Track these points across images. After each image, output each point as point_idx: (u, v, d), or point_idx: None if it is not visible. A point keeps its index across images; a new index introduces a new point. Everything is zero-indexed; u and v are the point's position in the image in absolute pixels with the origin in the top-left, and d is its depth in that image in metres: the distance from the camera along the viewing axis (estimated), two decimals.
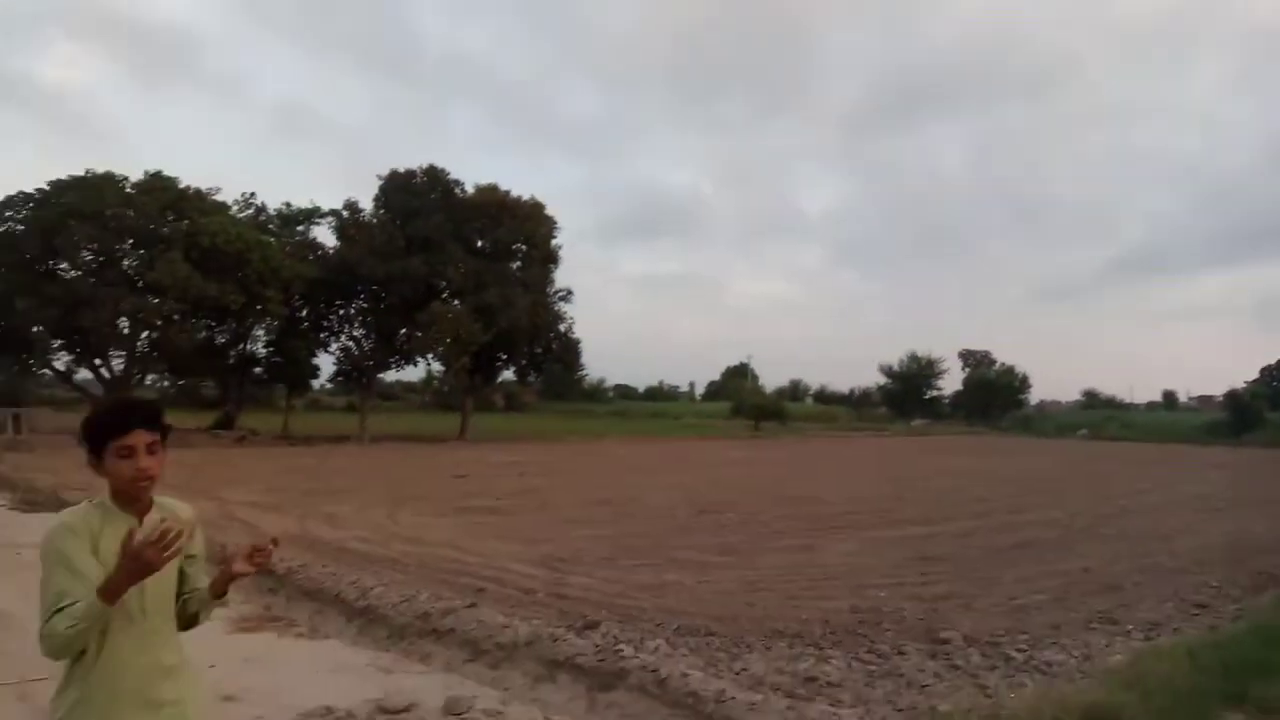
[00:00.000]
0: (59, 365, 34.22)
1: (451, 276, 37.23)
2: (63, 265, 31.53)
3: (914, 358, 79.21)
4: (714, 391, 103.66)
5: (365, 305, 39.45)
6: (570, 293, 42.86)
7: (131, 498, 2.24)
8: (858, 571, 9.80)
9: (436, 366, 44.00)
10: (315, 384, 47.10)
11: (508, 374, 45.77)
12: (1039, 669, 6.51)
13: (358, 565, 9.62)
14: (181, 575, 2.41)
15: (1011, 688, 6.11)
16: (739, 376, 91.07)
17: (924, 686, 6.08)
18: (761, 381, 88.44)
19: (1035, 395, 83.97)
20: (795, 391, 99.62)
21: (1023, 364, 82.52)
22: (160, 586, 2.26)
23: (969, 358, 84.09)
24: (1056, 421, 73.65)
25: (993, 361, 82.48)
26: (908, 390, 78.40)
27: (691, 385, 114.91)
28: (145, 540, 1.92)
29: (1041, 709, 5.13)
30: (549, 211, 41.25)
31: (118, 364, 33.08)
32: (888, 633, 7.27)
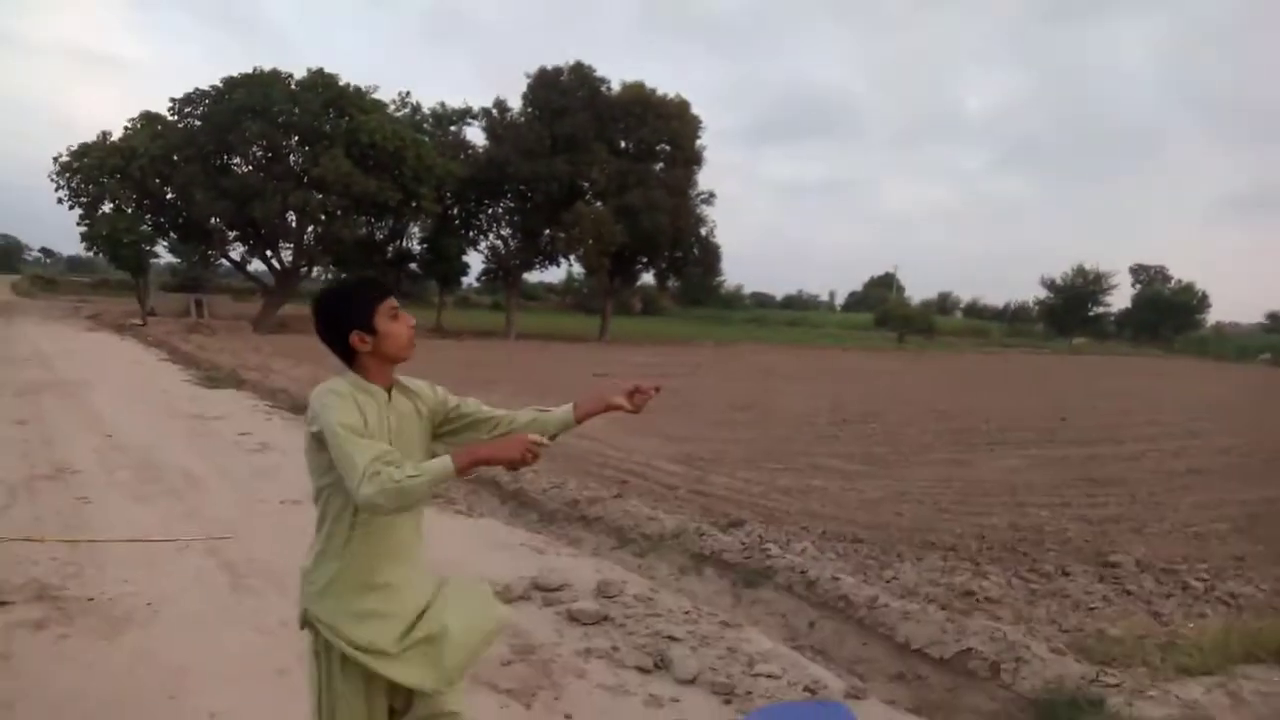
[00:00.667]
0: (234, 255, 36.85)
1: (595, 177, 37.18)
2: (236, 160, 33.50)
3: (1080, 271, 73.88)
4: (855, 303, 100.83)
5: (512, 205, 40.12)
6: (713, 196, 42.12)
7: (398, 361, 2.26)
8: (1016, 489, 9.32)
9: (578, 269, 44.61)
10: (465, 282, 48.76)
11: (647, 277, 45.89)
12: (1222, 600, 6.02)
13: None
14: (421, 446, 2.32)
15: (1190, 617, 5.68)
16: (883, 287, 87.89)
17: (1091, 609, 5.73)
18: (908, 293, 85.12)
19: (1213, 316, 77.12)
20: (944, 305, 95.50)
21: (1202, 281, 75.65)
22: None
23: (1141, 273, 77.83)
24: (1236, 344, 67.53)
25: (1168, 278, 76.09)
26: (1070, 306, 73.45)
27: (831, 295, 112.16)
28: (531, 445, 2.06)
29: (1229, 641, 4.71)
30: (694, 111, 40.25)
31: (287, 255, 35.27)
32: (1050, 552, 6.88)
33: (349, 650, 2.13)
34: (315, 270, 37.41)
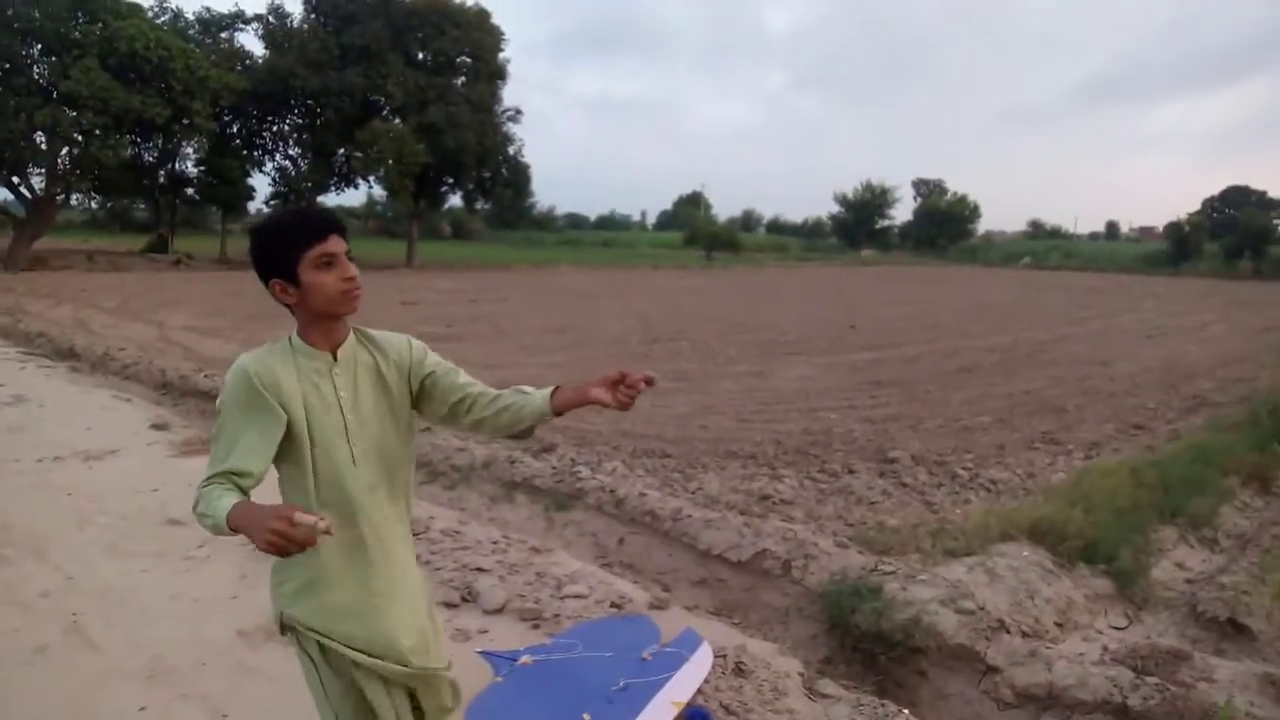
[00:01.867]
0: None
1: (392, 91, 35.07)
2: None
3: (868, 186, 78.57)
4: (666, 222, 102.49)
5: (300, 122, 37.29)
6: (519, 113, 40.92)
7: (335, 318, 1.86)
8: (809, 395, 9.92)
9: (379, 191, 42.39)
10: (251, 207, 45.12)
11: (454, 200, 44.34)
12: (984, 486, 6.72)
13: None
14: (410, 431, 1.99)
15: (957, 504, 6.31)
16: (692, 206, 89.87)
17: (872, 503, 6.24)
18: (715, 211, 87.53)
19: (984, 225, 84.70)
20: (748, 222, 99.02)
21: (975, 193, 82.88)
22: (362, 430, 1.89)
23: (922, 186, 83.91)
24: (1003, 251, 74.79)
25: (945, 190, 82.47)
26: (859, 220, 78.27)
27: (643, 215, 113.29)
28: (284, 527, 1.44)
29: (988, 524, 5.27)
30: (495, 21, 38.63)
31: (38, 182, 31.10)
32: (838, 453, 7.40)
33: (351, 654, 1.88)
34: (75, 198, 33.29)
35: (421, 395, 2.00)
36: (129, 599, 3.94)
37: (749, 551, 4.71)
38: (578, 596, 3.98)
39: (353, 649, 1.87)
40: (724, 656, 3.34)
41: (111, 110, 27.82)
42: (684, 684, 3.10)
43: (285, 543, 1.43)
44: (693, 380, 10.80)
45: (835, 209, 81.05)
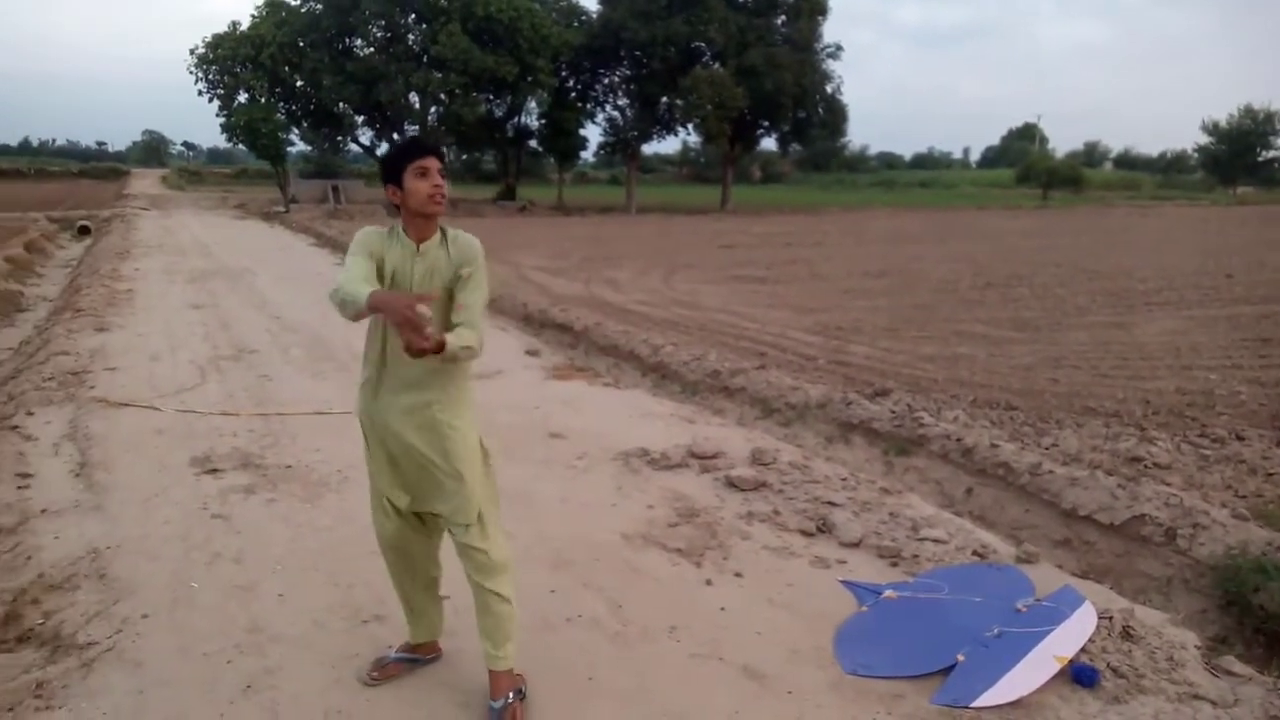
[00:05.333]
0: (364, 140, 37.71)
1: (713, 36, 35.59)
2: (358, 42, 33.84)
3: (1247, 112, 66.25)
4: (992, 158, 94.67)
5: (629, 73, 39.12)
6: (839, 49, 39.68)
7: (425, 216, 2.51)
8: (1180, 351, 8.79)
9: (694, 138, 43.45)
10: (583, 157, 48.49)
11: (768, 142, 44.31)
12: None
13: (643, 325, 10.09)
14: (452, 296, 2.55)
15: None
16: (1024, 140, 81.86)
17: (1270, 475, 5.45)
18: (1051, 145, 78.98)
19: None
20: (1091, 156, 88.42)
21: None
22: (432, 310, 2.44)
23: None
24: None
25: None
26: (1235, 153, 66.45)
27: (966, 152, 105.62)
28: (412, 315, 2.14)
29: None
30: None
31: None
32: (1222, 416, 6.52)
33: (365, 429, 2.69)
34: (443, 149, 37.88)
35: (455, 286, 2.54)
36: (528, 499, 4.56)
37: (1123, 515, 4.35)
38: (937, 541, 3.95)
39: (375, 426, 2.64)
40: (1109, 619, 3.16)
41: (470, 70, 31.18)
42: (1067, 639, 2.99)
43: (415, 318, 2.13)
44: (1036, 329, 10.01)
45: (1203, 139, 69.54)
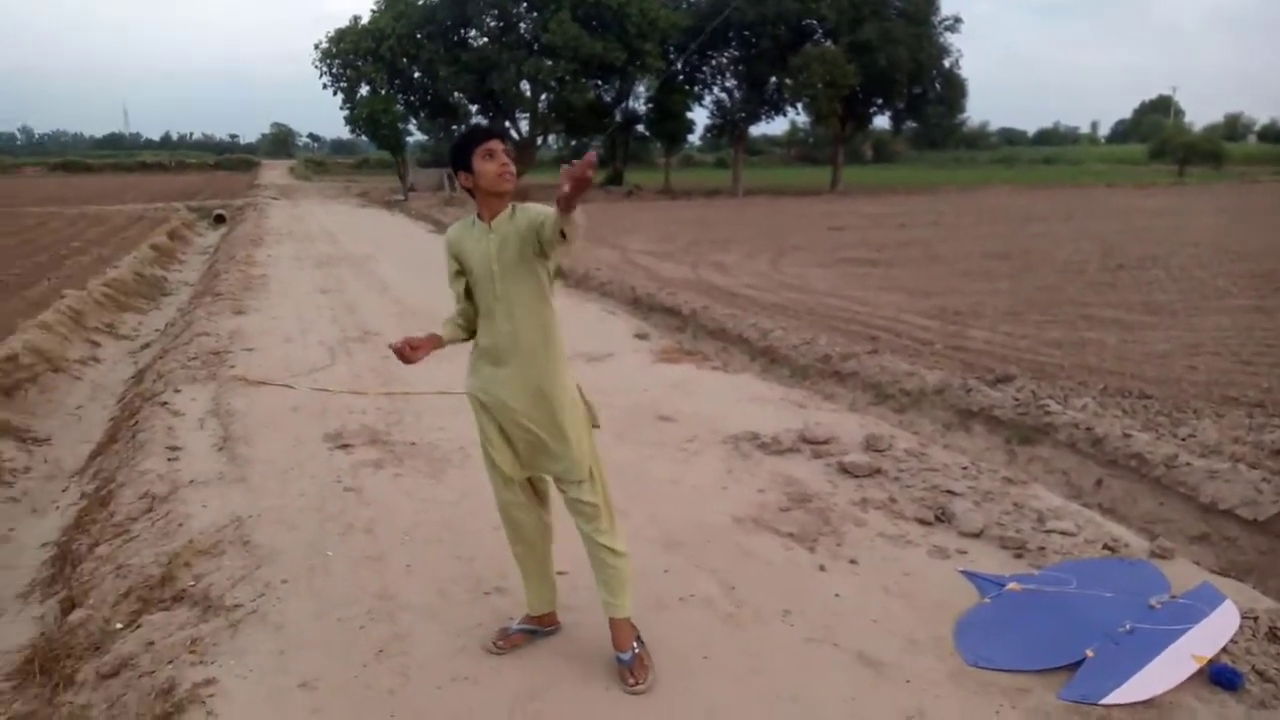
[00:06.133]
0: None
1: (825, 13, 34.76)
2: (472, 33, 34.67)
3: None
4: (1122, 133, 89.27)
5: (737, 54, 38.66)
6: (958, 21, 38.11)
7: (497, 194, 2.66)
8: None
9: (802, 118, 42.58)
10: (689, 140, 48.29)
11: (881, 120, 43.03)
12: None
13: (751, 309, 10.02)
14: (521, 264, 2.68)
15: None
16: (1158, 113, 76.81)
17: None
18: (1188, 118, 73.82)
19: None
20: (1234, 129, 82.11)
21: None
22: (499, 284, 2.68)
23: None
24: None
25: None
26: None
27: (1094, 126, 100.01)
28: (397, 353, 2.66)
29: None
30: None
31: (524, 126, 36.56)
32: None
33: (474, 406, 2.84)
34: (550, 138, 38.52)
35: (540, 240, 2.60)
36: (640, 479, 4.62)
37: (1269, 510, 4.09)
38: (1064, 533, 3.80)
39: (483, 402, 2.80)
40: (1254, 619, 2.98)
41: (580, 56, 31.48)
42: (1205, 639, 2.83)
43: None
44: (1172, 314, 9.43)
45: None
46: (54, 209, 27.29)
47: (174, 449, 5.20)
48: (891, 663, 2.92)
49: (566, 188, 2.26)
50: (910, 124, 44.55)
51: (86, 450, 5.96)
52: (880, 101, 38.96)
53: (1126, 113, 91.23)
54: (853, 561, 3.66)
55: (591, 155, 2.23)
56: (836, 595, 3.38)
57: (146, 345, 9.35)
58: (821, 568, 3.60)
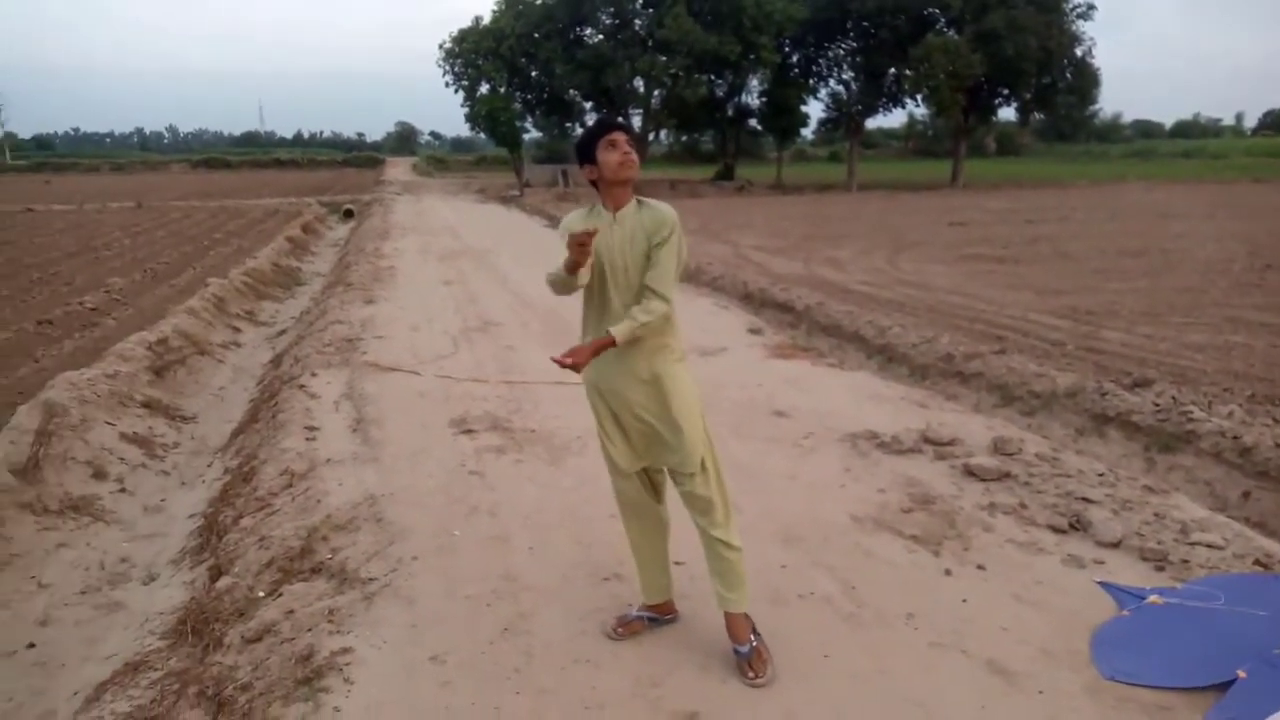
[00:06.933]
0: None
1: (949, 2, 33.58)
2: (588, 31, 35.15)
3: None
4: (1271, 124, 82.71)
5: (854, 45, 37.79)
6: (1091, 8, 36.12)
7: (619, 183, 2.71)
8: None
9: (920, 110, 41.23)
10: (802, 134, 47.51)
11: (1005, 112, 41.25)
12: None
13: (867, 306, 9.80)
14: (647, 260, 2.72)
15: None
16: None
17: None
18: None
19: None
20: None
21: None
22: (624, 275, 2.72)
23: None
24: None
25: None
26: None
27: (1239, 118, 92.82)
28: (572, 238, 2.50)
29: None
30: None
31: (636, 122, 36.80)
32: None
33: (591, 396, 2.89)
34: (663, 134, 38.66)
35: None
36: (755, 474, 4.60)
37: None
38: (1210, 546, 3.58)
39: (600, 391, 2.85)
40: None
41: (694, 52, 31.45)
42: None
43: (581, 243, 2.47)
44: None
45: None
46: (197, 203, 29.19)
47: (312, 429, 5.50)
48: (1023, 672, 2.82)
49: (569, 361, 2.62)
50: (1038, 116, 42.58)
51: (229, 428, 6.36)
52: (1006, 92, 37.35)
53: (1276, 102, 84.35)
54: (980, 567, 3.54)
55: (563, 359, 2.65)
56: (964, 601, 3.28)
57: (282, 332, 9.90)
58: (947, 572, 3.51)
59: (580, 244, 2.47)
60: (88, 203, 28.70)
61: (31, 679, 3.29)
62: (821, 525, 3.96)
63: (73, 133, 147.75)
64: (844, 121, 40.55)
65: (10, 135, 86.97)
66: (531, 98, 36.81)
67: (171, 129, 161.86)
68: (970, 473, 4.48)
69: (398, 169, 67.33)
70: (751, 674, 2.79)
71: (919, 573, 3.52)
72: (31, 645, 3.51)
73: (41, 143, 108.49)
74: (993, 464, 4.51)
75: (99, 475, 5.10)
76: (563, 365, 2.63)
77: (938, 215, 23.04)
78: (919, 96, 36.35)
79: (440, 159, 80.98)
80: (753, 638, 2.87)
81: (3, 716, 3.08)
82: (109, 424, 5.68)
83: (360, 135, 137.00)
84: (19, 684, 3.26)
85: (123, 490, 5.08)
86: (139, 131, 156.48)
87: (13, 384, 6.80)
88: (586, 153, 2.74)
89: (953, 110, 35.37)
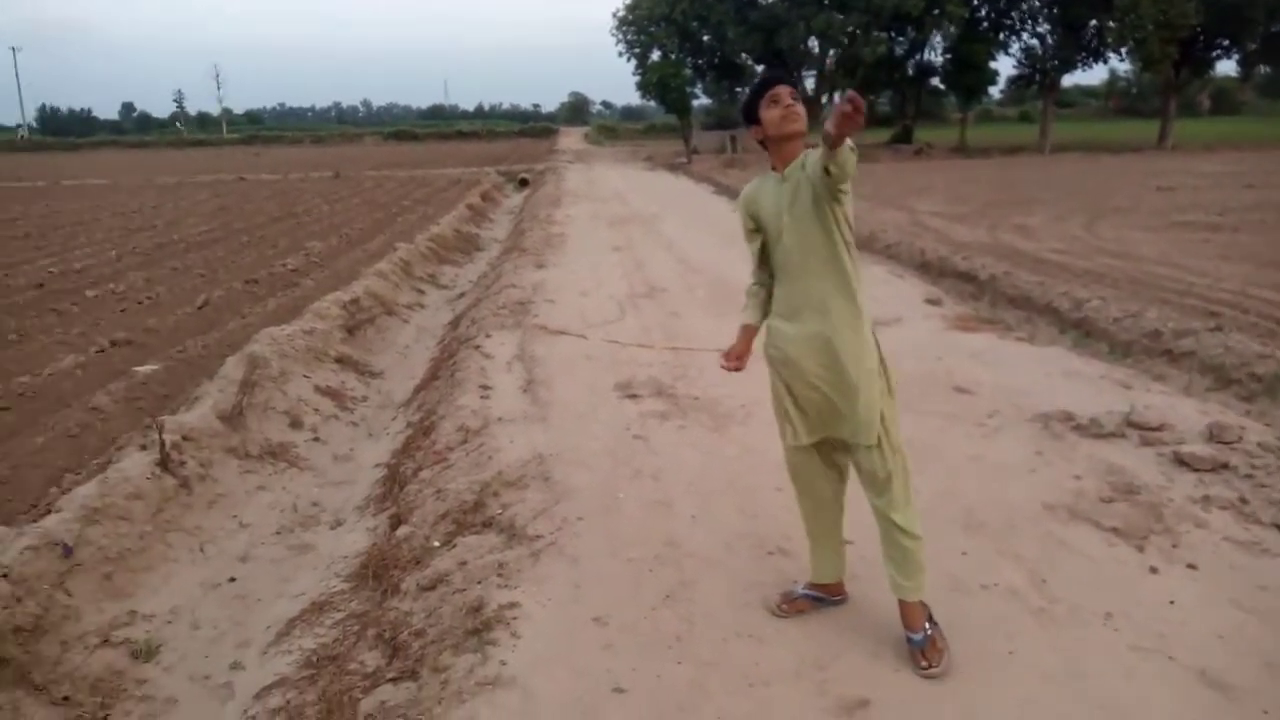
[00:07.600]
0: None
1: None
2: None
3: None
4: None
5: None
6: None
7: (785, 137, 2.61)
8: None
9: (1124, 65, 37.63)
10: (990, 93, 44.58)
11: (1225, 65, 36.98)
12: None
13: (1060, 276, 9.06)
14: (830, 221, 2.55)
15: None
16: None
17: None
18: None
19: None
20: None
21: None
22: (805, 241, 2.59)
23: None
24: None
25: None
26: None
27: None
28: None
29: None
30: None
31: (809, 84, 35.76)
32: None
33: (770, 365, 2.79)
34: (836, 96, 37.33)
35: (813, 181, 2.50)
36: (933, 452, 4.33)
37: None
38: None
39: (775, 359, 2.77)
40: None
41: (873, 8, 30.08)
42: None
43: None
44: None
45: None
46: (387, 172, 31.03)
47: (485, 388, 5.69)
48: (1243, 687, 2.50)
49: (830, 126, 2.19)
50: (1264, 69, 37.91)
51: (412, 385, 6.70)
52: (1226, 43, 33.44)
53: None
54: (1191, 566, 3.18)
55: (853, 93, 2.13)
56: (1171, 602, 2.95)
57: (461, 295, 10.34)
58: (1153, 569, 3.16)
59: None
60: (292, 173, 31.18)
61: (232, 610, 3.58)
62: (1008, 511, 3.67)
63: (279, 107, 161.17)
64: (1037, 78, 37.65)
65: (227, 111, 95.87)
66: (702, 63, 36.54)
67: (365, 103, 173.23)
68: (1181, 461, 4.03)
69: (570, 138, 68.88)
70: (925, 663, 2.62)
71: (1120, 569, 3.19)
72: (233, 579, 3.83)
73: (252, 117, 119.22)
74: (1208, 453, 4.03)
75: (295, 424, 5.50)
76: (727, 369, 2.92)
77: (1142, 179, 21.02)
78: (1123, 50, 33.12)
79: (610, 127, 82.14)
80: (928, 625, 2.69)
81: (208, 643, 3.37)
82: (305, 377, 6.12)
83: (536, 106, 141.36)
84: (222, 613, 3.55)
85: (316, 439, 5.46)
86: (336, 106, 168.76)
87: (224, 337, 7.48)
88: (750, 113, 2.68)
89: (1162, 64, 32.01)
